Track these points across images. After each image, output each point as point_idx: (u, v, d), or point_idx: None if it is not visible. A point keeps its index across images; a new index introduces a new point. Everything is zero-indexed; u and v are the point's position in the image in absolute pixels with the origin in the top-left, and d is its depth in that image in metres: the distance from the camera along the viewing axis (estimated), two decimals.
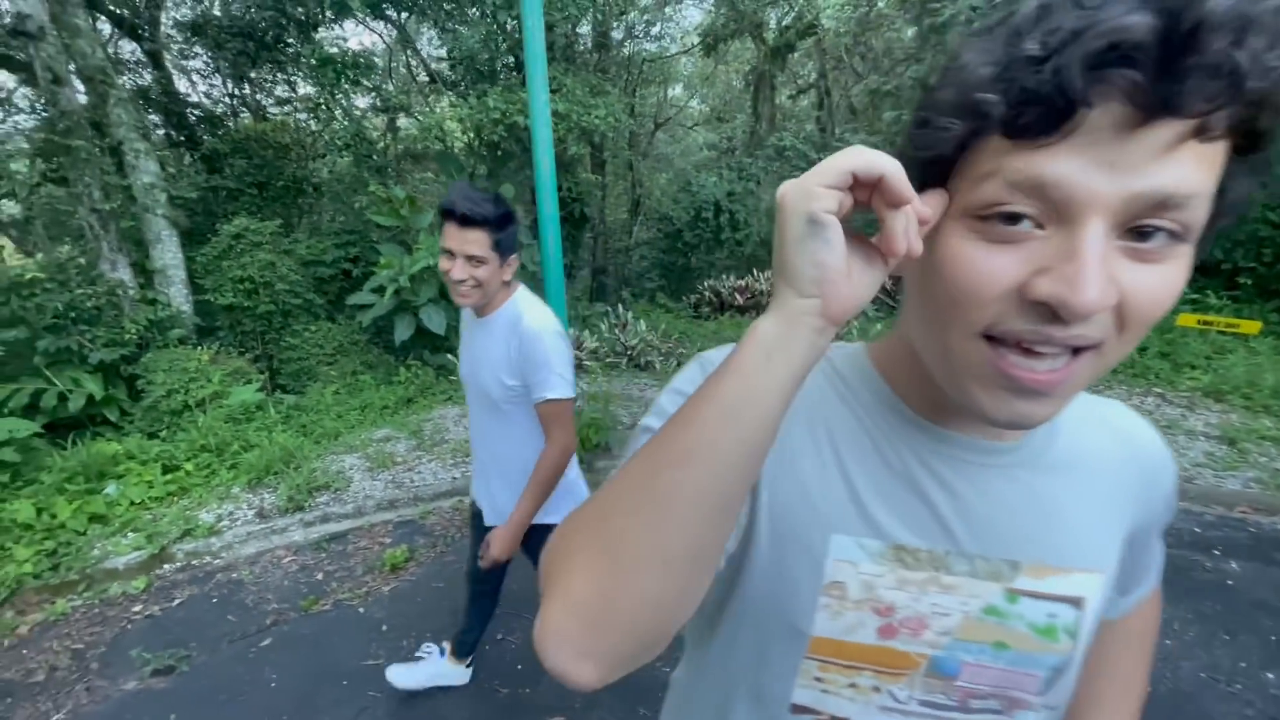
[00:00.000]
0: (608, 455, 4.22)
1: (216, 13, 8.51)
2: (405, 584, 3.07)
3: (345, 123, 8.08)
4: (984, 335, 0.41)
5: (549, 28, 7.54)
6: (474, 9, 7.24)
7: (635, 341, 6.16)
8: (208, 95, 9.77)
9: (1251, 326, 6.02)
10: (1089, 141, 0.36)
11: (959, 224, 0.42)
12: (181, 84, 9.66)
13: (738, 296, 8.12)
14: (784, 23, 14.78)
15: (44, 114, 6.02)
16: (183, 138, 8.72)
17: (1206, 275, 7.46)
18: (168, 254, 5.66)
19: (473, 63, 7.01)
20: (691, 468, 0.39)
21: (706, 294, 8.33)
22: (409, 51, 9.89)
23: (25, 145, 6.86)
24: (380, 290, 5.60)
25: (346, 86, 7.56)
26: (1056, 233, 0.38)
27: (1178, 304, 6.74)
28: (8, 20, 4.45)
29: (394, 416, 5.10)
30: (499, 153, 7.51)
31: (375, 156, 8.55)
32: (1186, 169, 0.35)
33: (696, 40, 13.62)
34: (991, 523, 0.52)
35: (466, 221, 1.48)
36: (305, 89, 9.57)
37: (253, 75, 9.46)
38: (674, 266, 9.90)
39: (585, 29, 10.19)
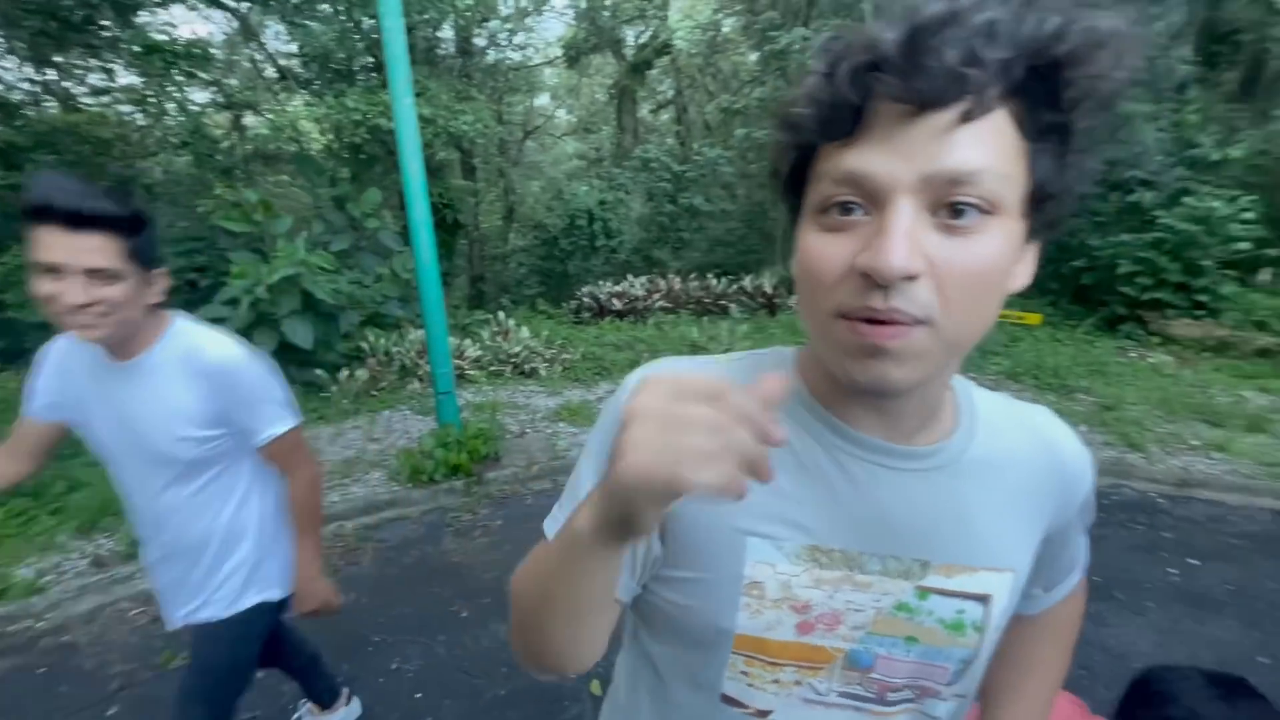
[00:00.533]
0: (497, 466, 4.05)
1: None
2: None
3: (181, 118, 7.08)
4: (840, 316, 0.44)
5: (408, 30, 7.11)
6: (326, 4, 6.66)
7: (519, 349, 5.98)
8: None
9: (1034, 318, 7.06)
10: (882, 135, 0.41)
11: (810, 221, 0.46)
12: None
13: (615, 301, 8.14)
14: (641, 40, 15.13)
15: None
16: None
17: None
18: None
19: (328, 61, 6.43)
20: (547, 610, 0.50)
21: (585, 299, 8.28)
22: (253, 45, 8.90)
23: None
24: (234, 302, 4.96)
25: (180, 79, 6.63)
26: (877, 216, 0.42)
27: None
28: None
29: None
30: (361, 156, 6.97)
31: (220, 156, 7.56)
32: (967, 149, 0.39)
33: (559, 52, 13.55)
34: (904, 524, 0.53)
35: (79, 222, 1.01)
36: (127, 78, 8.28)
37: (59, 60, 8.04)
38: (552, 273, 9.78)
39: (448, 33, 9.76)
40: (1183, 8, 5.60)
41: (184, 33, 8.12)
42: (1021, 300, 7.90)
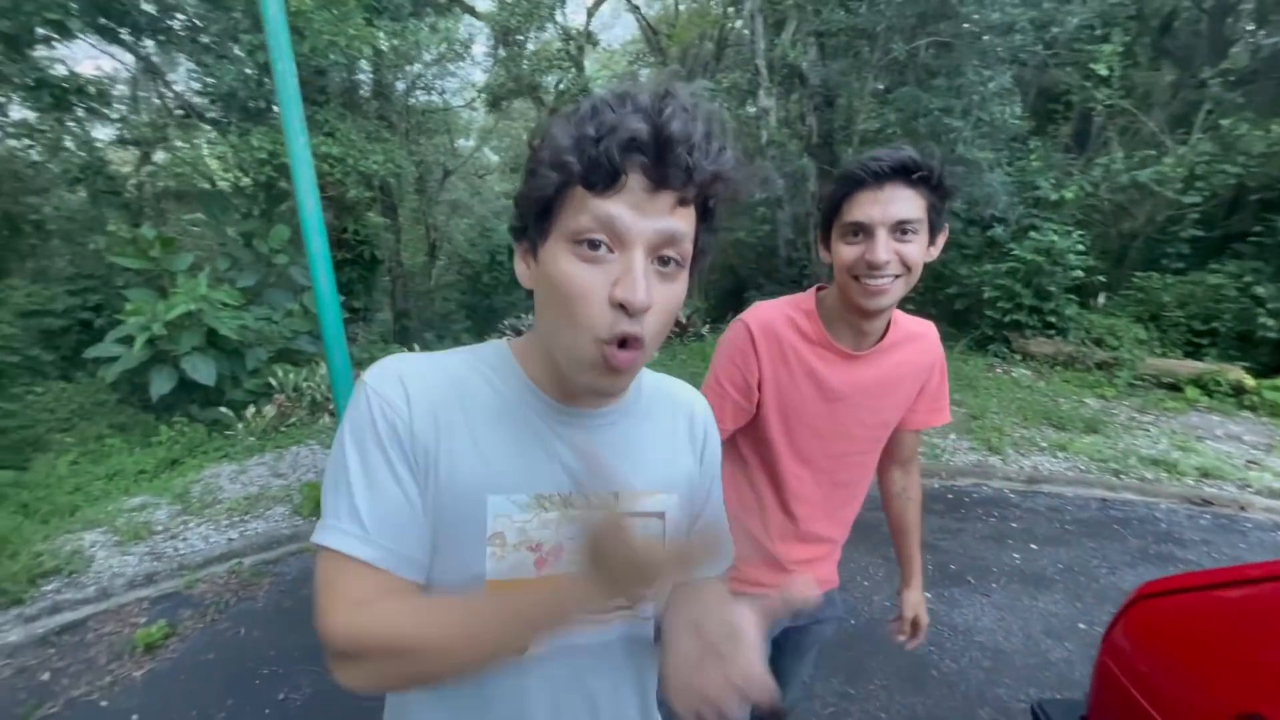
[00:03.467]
0: None
1: None
2: (164, 664, 2.58)
3: (81, 154, 6.67)
4: (596, 339, 0.55)
5: (321, 72, 7.06)
6: (233, 43, 6.52)
7: None
8: None
9: None
10: (632, 198, 0.53)
11: (563, 249, 0.56)
12: None
13: None
14: (560, 86, 15.51)
15: None
16: None
17: None
18: None
19: (234, 100, 6.28)
20: (457, 667, 0.54)
21: (506, 331, 8.28)
22: (160, 82, 8.54)
23: None
24: (129, 340, 4.68)
25: (81, 114, 6.28)
26: (621, 256, 0.54)
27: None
28: None
29: (153, 482, 4.28)
30: (273, 193, 6.79)
31: (123, 193, 7.13)
32: (680, 221, 0.55)
33: (479, 96, 13.70)
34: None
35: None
36: (22, 113, 7.72)
37: None
38: (478, 308, 9.74)
39: (365, 76, 9.69)
40: (1006, 75, 6.38)
41: (87, 69, 7.67)
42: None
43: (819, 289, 1.17)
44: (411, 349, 7.06)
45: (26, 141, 7.58)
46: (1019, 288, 7.55)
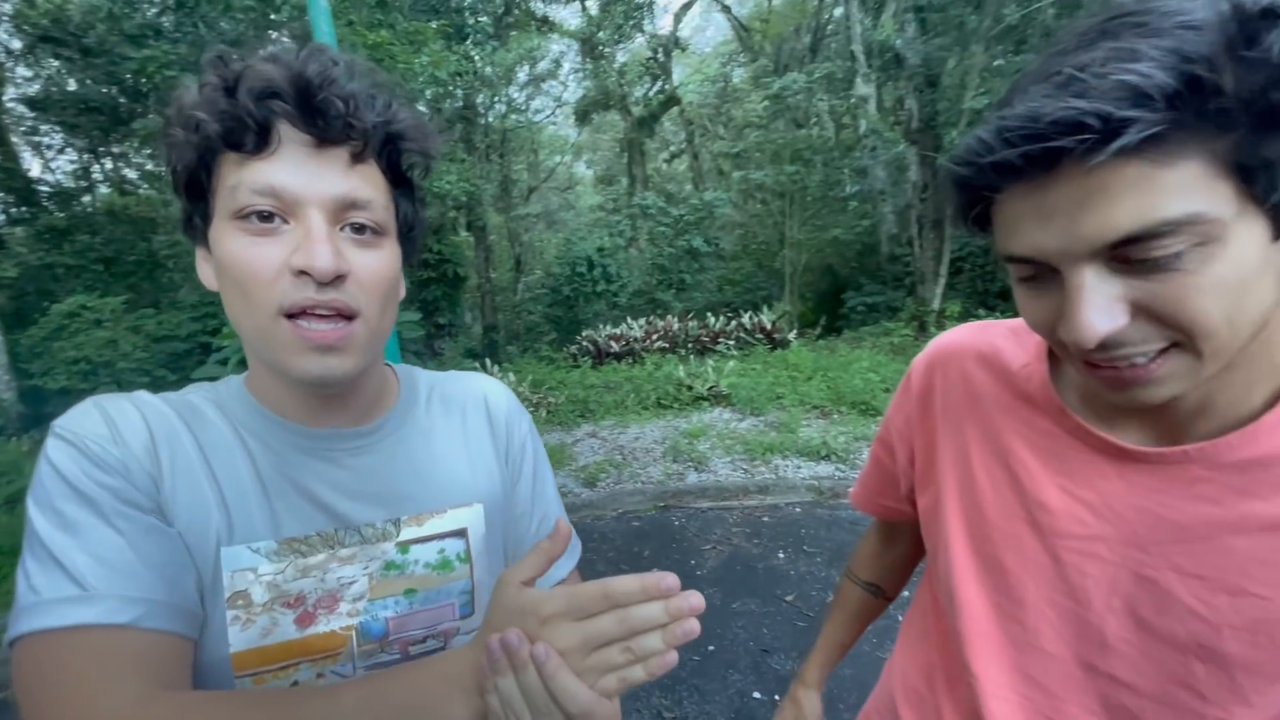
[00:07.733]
0: None
1: (72, 87, 8.01)
2: None
3: None
4: (283, 315, 0.48)
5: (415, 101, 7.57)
6: None
7: None
8: (63, 170, 9.09)
9: None
10: (295, 158, 0.48)
11: (229, 227, 0.49)
12: (37, 160, 9.00)
13: (613, 344, 8.20)
14: (649, 94, 15.64)
15: None
16: (27, 214, 8.00)
17: None
18: None
19: None
20: None
21: (585, 344, 8.37)
22: None
23: None
24: (225, 362, 5.23)
25: None
26: (297, 225, 0.48)
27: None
28: None
29: None
30: None
31: None
32: (359, 182, 0.50)
33: (556, 110, 14.09)
34: (368, 494, 0.58)
35: None
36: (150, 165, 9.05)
37: (115, 150, 8.89)
38: (561, 320, 9.99)
39: (451, 103, 10.30)
40: None
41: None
42: None
43: None
44: (498, 363, 7.32)
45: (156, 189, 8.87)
46: None
